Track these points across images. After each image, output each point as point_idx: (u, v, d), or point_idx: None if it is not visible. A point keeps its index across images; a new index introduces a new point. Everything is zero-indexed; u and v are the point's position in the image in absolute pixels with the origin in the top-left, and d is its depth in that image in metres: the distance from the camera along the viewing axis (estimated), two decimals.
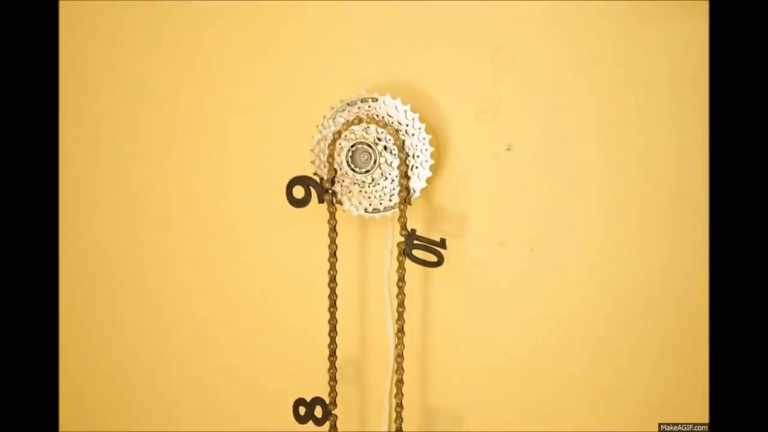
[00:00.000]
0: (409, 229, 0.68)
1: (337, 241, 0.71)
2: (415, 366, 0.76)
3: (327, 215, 0.70)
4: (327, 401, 0.73)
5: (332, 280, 0.71)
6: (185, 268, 0.82)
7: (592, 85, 0.70)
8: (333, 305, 0.72)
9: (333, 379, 0.73)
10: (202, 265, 0.82)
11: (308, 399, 0.73)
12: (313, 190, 0.69)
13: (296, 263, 0.79)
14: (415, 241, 0.68)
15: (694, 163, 0.68)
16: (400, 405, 0.70)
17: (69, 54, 0.81)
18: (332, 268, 0.71)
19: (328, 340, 0.72)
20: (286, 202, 0.70)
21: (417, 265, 0.74)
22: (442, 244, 0.67)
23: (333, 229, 0.70)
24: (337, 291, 0.72)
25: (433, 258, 0.67)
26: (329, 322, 0.72)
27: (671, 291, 0.71)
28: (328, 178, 0.69)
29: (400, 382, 0.70)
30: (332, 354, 0.73)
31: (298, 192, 0.69)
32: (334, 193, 0.70)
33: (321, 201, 0.69)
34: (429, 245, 0.67)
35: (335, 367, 0.73)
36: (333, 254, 0.71)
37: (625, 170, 0.70)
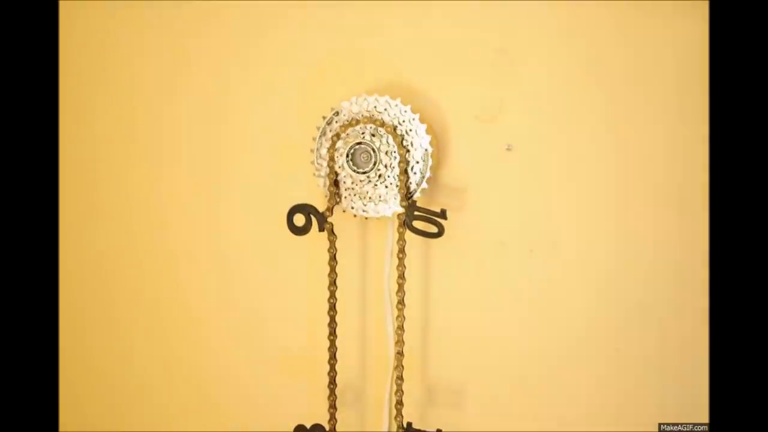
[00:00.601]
0: (410, 200, 0.68)
1: (337, 270, 0.71)
2: (415, 367, 0.76)
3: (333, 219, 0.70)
4: (327, 428, 0.73)
5: (332, 308, 0.72)
6: (184, 268, 0.82)
7: (592, 85, 0.70)
8: (333, 333, 0.72)
9: (333, 406, 0.73)
10: (202, 265, 0.82)
11: (308, 426, 0.73)
12: (313, 218, 0.69)
13: (297, 275, 0.79)
14: (416, 212, 0.68)
15: (695, 162, 0.68)
16: (400, 378, 0.70)
17: (69, 54, 0.81)
18: (332, 296, 0.72)
19: (328, 367, 0.73)
20: (287, 206, 0.70)
21: (417, 266, 0.74)
22: (443, 214, 0.67)
23: (333, 258, 0.71)
24: (338, 294, 0.72)
25: (434, 229, 0.67)
26: (329, 349, 0.72)
27: (671, 291, 0.71)
28: (328, 207, 0.70)
29: (400, 354, 0.70)
30: (332, 381, 0.73)
31: (299, 220, 0.70)
32: (334, 203, 0.70)
33: (321, 229, 0.70)
34: (429, 216, 0.67)
35: (335, 395, 0.73)
36: (333, 282, 0.71)
37: (626, 170, 0.70)
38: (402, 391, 0.70)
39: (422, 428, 0.72)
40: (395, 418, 0.71)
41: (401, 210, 0.69)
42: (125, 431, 0.86)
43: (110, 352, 0.86)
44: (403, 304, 0.70)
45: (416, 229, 0.68)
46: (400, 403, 0.71)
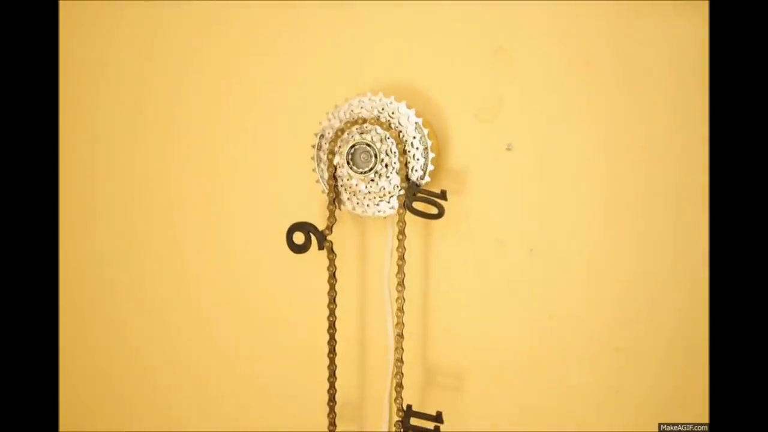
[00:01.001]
0: (410, 182, 0.68)
1: (336, 287, 0.71)
2: (415, 350, 0.76)
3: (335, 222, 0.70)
4: None
5: (332, 326, 0.72)
6: (184, 268, 0.82)
7: (592, 85, 0.70)
8: (332, 351, 0.72)
9: (332, 424, 0.73)
10: (202, 265, 0.82)
11: None
12: (313, 237, 0.69)
13: (297, 279, 0.79)
14: (417, 194, 0.68)
15: (695, 162, 0.68)
16: (400, 360, 0.70)
17: (69, 54, 0.81)
18: (332, 314, 0.71)
19: (327, 385, 0.73)
20: (287, 210, 0.70)
21: (416, 265, 0.74)
22: (443, 195, 0.67)
23: (332, 276, 0.71)
24: (338, 294, 0.72)
25: (434, 210, 0.67)
26: (328, 367, 0.72)
27: (671, 291, 0.71)
28: (328, 225, 0.69)
29: (400, 336, 0.69)
30: (331, 399, 0.73)
31: (299, 238, 0.70)
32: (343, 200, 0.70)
33: (321, 248, 0.69)
34: (430, 197, 0.67)
35: (335, 412, 0.73)
36: (332, 300, 0.71)
37: (626, 170, 0.70)
38: (402, 374, 0.70)
39: (422, 411, 0.72)
40: (395, 400, 0.70)
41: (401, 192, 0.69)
42: (125, 431, 0.87)
43: (109, 353, 0.86)
44: (403, 286, 0.69)
45: (416, 210, 0.68)
46: (399, 385, 0.70)
